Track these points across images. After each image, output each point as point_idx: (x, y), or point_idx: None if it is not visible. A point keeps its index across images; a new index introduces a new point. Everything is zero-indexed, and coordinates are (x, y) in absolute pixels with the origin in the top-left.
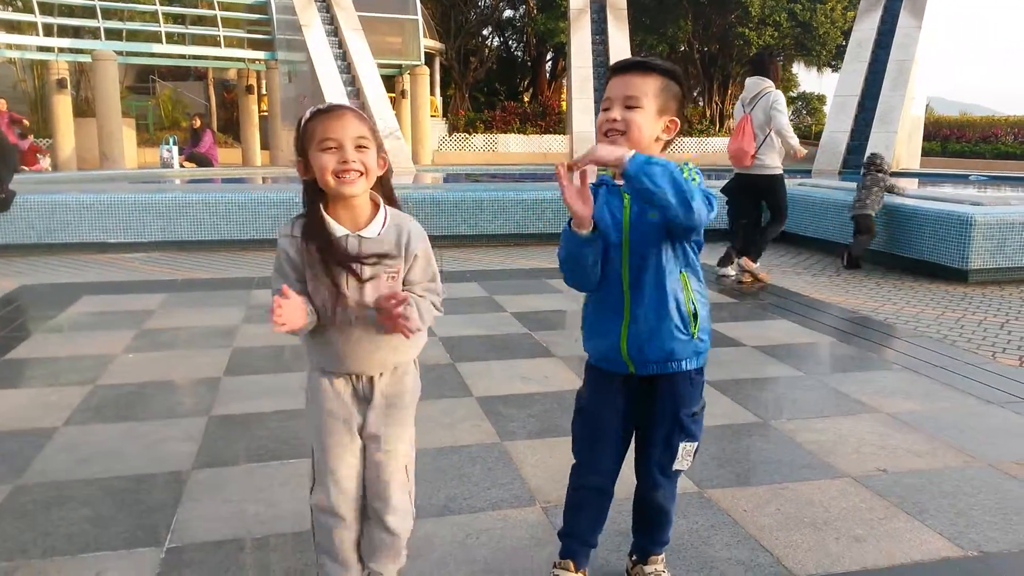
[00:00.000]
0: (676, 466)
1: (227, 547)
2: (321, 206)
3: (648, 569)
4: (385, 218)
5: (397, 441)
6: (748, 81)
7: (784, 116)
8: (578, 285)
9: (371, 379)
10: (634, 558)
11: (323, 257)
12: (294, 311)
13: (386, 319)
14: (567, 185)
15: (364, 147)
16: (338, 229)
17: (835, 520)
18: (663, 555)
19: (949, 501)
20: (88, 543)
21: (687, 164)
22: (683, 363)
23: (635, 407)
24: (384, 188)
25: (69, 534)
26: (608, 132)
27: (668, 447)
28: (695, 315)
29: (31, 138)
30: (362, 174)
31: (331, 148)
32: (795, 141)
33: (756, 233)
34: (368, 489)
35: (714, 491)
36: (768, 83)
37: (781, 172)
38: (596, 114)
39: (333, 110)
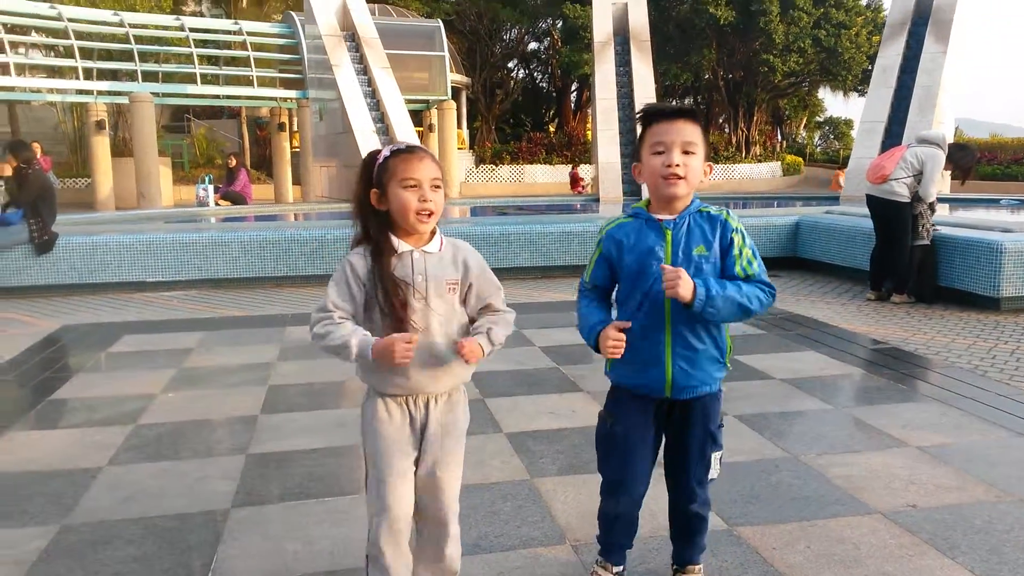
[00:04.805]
0: (711, 475)
1: None
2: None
3: None
4: (442, 239)
5: (456, 467)
6: (925, 132)
7: (934, 187)
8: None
9: (427, 405)
10: (675, 567)
11: (392, 271)
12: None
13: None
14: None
15: (438, 187)
16: (403, 246)
17: (865, 558)
18: (701, 565)
19: (981, 537)
20: None
21: (728, 213)
22: (713, 385)
23: (664, 429)
24: None
25: (116, 573)
26: (669, 177)
27: (703, 459)
28: (730, 346)
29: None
30: (433, 212)
31: (412, 186)
32: (927, 200)
33: (895, 264)
34: (426, 516)
35: (743, 528)
36: (939, 141)
37: (908, 203)
38: (621, 144)
39: (414, 152)
